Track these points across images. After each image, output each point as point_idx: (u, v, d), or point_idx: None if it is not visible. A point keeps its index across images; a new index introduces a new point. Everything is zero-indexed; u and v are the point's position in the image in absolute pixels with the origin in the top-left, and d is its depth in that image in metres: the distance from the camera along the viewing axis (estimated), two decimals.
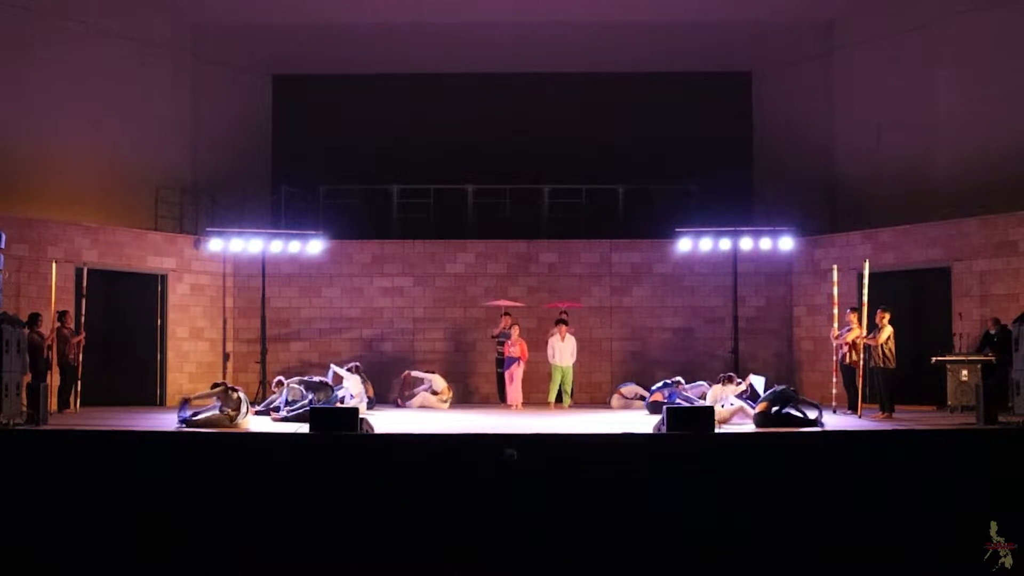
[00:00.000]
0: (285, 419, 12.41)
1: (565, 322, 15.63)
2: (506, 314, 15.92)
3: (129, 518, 9.62)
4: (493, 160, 18.99)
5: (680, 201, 17.79)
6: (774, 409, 11.59)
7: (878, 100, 17.70)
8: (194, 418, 11.46)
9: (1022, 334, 11.40)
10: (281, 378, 14.55)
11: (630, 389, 15.74)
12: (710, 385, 14.06)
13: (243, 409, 11.70)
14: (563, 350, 15.47)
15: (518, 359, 15.38)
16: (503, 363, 15.67)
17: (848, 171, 18.05)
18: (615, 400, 15.73)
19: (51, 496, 9.71)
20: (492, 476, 9.57)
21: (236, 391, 11.94)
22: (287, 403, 13.31)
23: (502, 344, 15.69)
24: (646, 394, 14.88)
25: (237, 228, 16.73)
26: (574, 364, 15.66)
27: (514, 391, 15.34)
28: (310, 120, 19.63)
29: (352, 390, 14.43)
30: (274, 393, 14.23)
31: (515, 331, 15.52)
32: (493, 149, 19.18)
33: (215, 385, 12.21)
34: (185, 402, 11.89)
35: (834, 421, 12.55)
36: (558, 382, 15.46)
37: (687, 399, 13.85)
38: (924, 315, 15.78)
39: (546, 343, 15.65)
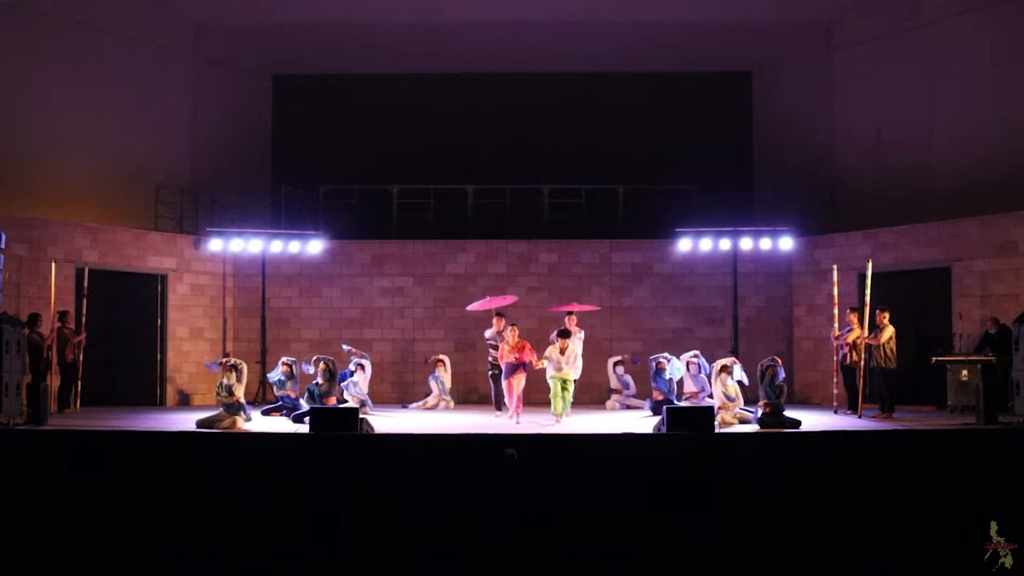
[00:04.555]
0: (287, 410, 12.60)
1: (567, 334, 13.31)
2: (498, 315, 14.38)
3: (129, 518, 9.64)
4: (493, 160, 19.01)
5: (680, 201, 17.80)
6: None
7: (878, 100, 17.70)
8: (200, 417, 11.58)
9: (1022, 334, 11.41)
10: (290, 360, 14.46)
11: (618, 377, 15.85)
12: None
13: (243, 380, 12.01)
14: (564, 361, 13.01)
15: (522, 365, 13.09)
16: (497, 369, 13.86)
17: (848, 171, 18.06)
18: (610, 402, 15.77)
19: (51, 496, 9.73)
20: (492, 476, 9.58)
21: (236, 368, 12.09)
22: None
23: (496, 349, 13.87)
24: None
25: (237, 228, 16.74)
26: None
27: (515, 401, 13.03)
28: (310, 120, 19.64)
29: (363, 387, 14.72)
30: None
31: (513, 333, 13.33)
32: (493, 149, 19.21)
33: (225, 364, 12.25)
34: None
35: (834, 421, 12.57)
36: (558, 394, 12.98)
37: (669, 383, 14.12)
38: (924, 315, 15.78)
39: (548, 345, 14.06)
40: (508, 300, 15.47)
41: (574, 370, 13.06)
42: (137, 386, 16.25)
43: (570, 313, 14.85)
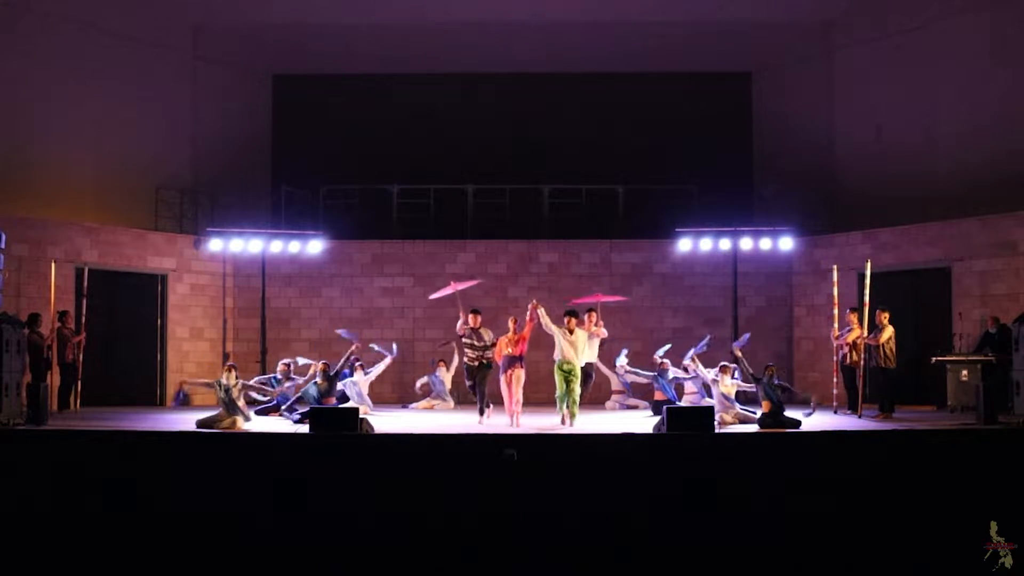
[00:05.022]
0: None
1: (574, 313, 11.99)
2: (474, 312, 12.56)
3: (129, 518, 9.63)
4: (493, 160, 19.02)
5: (680, 201, 17.80)
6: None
7: (878, 100, 17.71)
8: (200, 417, 11.57)
9: (1022, 334, 11.41)
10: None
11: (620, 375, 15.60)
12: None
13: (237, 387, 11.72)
14: (571, 345, 11.76)
15: (519, 359, 11.99)
16: (472, 372, 12.53)
17: (848, 171, 18.06)
18: (610, 402, 15.77)
19: (51, 496, 9.72)
20: (492, 476, 9.58)
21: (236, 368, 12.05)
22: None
23: (485, 349, 12.36)
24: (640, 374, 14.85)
25: (237, 228, 16.74)
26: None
27: (513, 402, 11.92)
28: (310, 120, 19.64)
29: (362, 388, 14.72)
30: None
31: (513, 324, 12.17)
32: (493, 149, 19.22)
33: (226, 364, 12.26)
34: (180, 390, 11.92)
35: (834, 421, 12.57)
36: (562, 387, 11.76)
37: (671, 383, 14.06)
38: (924, 315, 15.79)
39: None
40: (472, 283, 14.56)
41: (582, 358, 11.85)
42: (137, 386, 16.25)
43: (591, 309, 13.31)
